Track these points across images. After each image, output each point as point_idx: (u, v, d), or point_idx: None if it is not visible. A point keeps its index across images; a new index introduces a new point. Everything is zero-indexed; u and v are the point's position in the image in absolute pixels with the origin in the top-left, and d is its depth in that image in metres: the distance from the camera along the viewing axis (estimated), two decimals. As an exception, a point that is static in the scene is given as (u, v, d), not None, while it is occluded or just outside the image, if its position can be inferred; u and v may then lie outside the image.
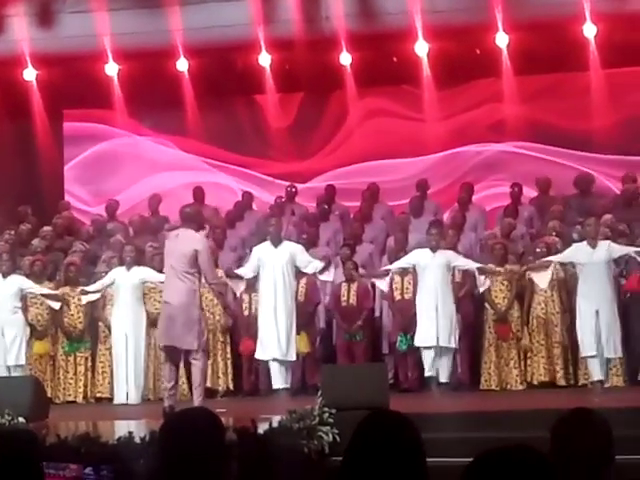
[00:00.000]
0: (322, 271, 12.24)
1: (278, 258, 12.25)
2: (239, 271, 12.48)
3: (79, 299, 12.91)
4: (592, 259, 11.72)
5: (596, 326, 11.65)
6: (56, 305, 12.73)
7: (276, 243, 12.36)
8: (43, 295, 12.74)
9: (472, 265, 12.26)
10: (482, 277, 12.18)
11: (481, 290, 12.27)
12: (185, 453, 3.37)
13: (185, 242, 10.16)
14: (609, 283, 11.79)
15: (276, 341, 12.15)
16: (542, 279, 11.99)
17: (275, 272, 12.24)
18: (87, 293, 12.72)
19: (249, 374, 12.89)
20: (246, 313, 12.82)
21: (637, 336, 12.07)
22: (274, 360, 12.23)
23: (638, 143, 14.97)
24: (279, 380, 12.27)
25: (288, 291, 12.28)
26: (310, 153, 15.92)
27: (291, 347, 12.21)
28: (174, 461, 3.39)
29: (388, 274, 12.38)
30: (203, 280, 10.28)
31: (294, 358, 12.29)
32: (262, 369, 12.80)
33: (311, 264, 12.24)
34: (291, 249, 12.35)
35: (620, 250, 11.85)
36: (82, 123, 16.66)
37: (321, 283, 13.05)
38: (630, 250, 11.83)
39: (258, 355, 12.35)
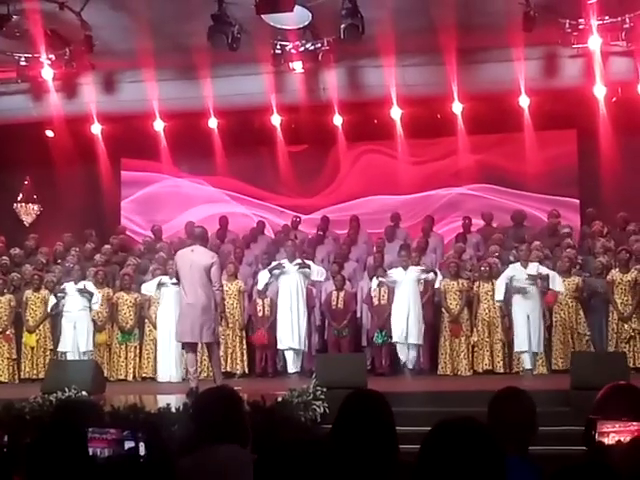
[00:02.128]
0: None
1: (293, 271, 12.24)
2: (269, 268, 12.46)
3: (130, 301, 12.91)
4: (524, 276, 11.73)
5: (527, 327, 11.65)
6: (95, 299, 12.59)
7: (291, 260, 12.35)
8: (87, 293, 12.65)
9: (432, 275, 12.26)
10: (437, 278, 12.23)
11: (437, 285, 12.26)
12: (215, 419, 3.37)
13: (201, 256, 9.82)
14: (537, 295, 11.79)
15: (291, 334, 12.12)
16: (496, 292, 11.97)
17: (290, 281, 12.22)
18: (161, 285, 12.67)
19: (260, 361, 12.85)
20: (260, 314, 12.78)
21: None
22: (289, 349, 12.19)
23: (559, 186, 15.03)
24: (293, 365, 12.23)
25: (300, 296, 12.26)
26: (312, 193, 15.89)
27: (302, 339, 12.17)
28: (206, 425, 3.39)
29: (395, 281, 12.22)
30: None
31: (305, 348, 12.24)
32: (270, 357, 12.77)
33: (315, 274, 12.28)
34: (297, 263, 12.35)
35: (544, 270, 11.86)
36: (136, 172, 16.60)
37: (316, 292, 13.06)
38: (550, 272, 11.83)
39: (279, 346, 12.28)
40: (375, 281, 12.29)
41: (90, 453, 3.49)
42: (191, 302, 9.73)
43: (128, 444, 3.50)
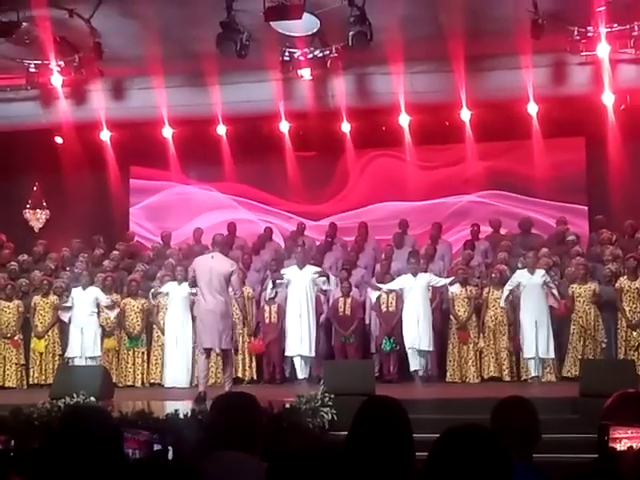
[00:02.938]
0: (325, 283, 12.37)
1: (303, 278, 12.26)
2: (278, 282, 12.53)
3: (138, 307, 12.93)
4: (531, 282, 11.74)
5: (535, 334, 11.64)
6: (112, 314, 12.73)
7: (301, 266, 12.36)
8: (106, 307, 12.79)
9: (445, 281, 12.28)
10: (451, 288, 12.23)
11: (452, 290, 12.28)
12: (226, 426, 3.38)
13: (221, 263, 9.98)
14: (544, 301, 11.80)
15: (299, 341, 12.11)
16: (500, 299, 12.04)
17: (300, 288, 12.24)
18: (156, 295, 12.74)
19: (268, 367, 12.86)
20: (267, 321, 12.79)
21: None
22: (298, 356, 12.18)
23: (568, 194, 15.01)
24: (302, 371, 12.25)
25: (310, 303, 12.29)
26: (321, 200, 15.85)
27: (312, 346, 12.16)
28: (216, 431, 3.39)
29: (381, 289, 12.34)
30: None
31: (314, 354, 12.22)
32: (278, 363, 12.76)
33: (331, 284, 12.40)
34: (312, 271, 12.37)
35: (550, 278, 11.88)
36: (145, 181, 16.64)
37: (324, 298, 13.05)
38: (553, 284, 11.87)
39: (287, 352, 12.28)
40: (375, 293, 12.30)
41: (125, 453, 3.52)
42: (210, 308, 9.83)
43: (156, 447, 3.54)
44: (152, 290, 12.76)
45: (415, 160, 15.24)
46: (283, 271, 12.59)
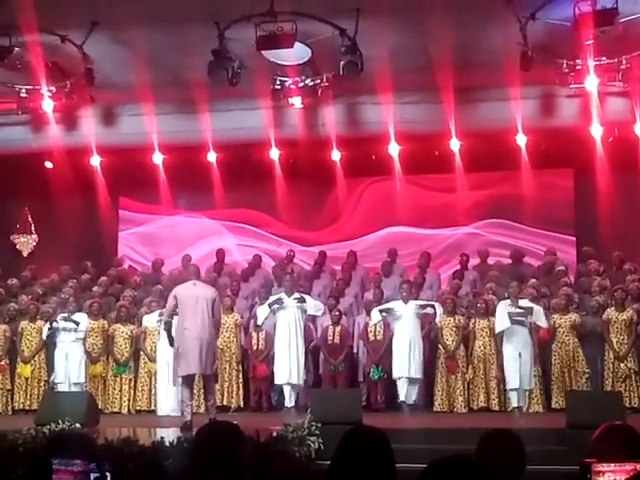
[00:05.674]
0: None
1: (291, 305, 12.19)
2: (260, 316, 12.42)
3: (126, 333, 12.86)
4: (513, 312, 11.69)
5: (518, 365, 11.60)
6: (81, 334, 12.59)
7: (289, 294, 12.31)
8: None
9: (430, 310, 12.21)
10: (437, 312, 12.12)
11: (438, 319, 12.17)
12: (212, 455, 3.36)
13: (204, 289, 10.11)
14: (527, 331, 11.77)
15: (288, 369, 12.03)
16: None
17: (289, 316, 12.16)
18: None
19: (255, 395, 12.79)
20: (255, 347, 12.74)
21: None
22: (287, 384, 12.11)
23: (556, 225, 15.09)
24: (290, 400, 12.13)
25: (299, 331, 12.18)
26: (311, 227, 15.88)
27: (301, 374, 12.10)
28: (202, 461, 3.37)
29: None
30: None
31: (302, 383, 12.15)
32: (265, 391, 12.69)
33: (312, 308, 12.24)
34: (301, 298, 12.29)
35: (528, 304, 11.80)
36: (133, 213, 16.66)
37: (313, 326, 13.00)
38: (535, 307, 11.78)
39: (276, 381, 12.20)
40: (377, 314, 12.21)
41: None
42: (194, 334, 9.80)
43: (94, 475, 3.47)
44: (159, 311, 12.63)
45: (404, 189, 15.27)
46: (280, 295, 12.46)
